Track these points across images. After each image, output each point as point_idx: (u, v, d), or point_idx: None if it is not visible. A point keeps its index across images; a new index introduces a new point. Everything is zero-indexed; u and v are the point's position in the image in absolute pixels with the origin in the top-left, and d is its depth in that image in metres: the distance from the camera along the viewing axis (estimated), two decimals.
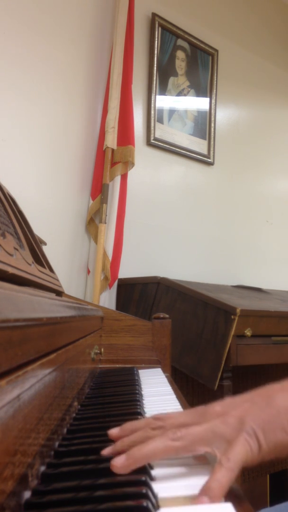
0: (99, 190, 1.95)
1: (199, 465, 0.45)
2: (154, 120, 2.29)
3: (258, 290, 2.34)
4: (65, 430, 0.57)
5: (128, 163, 1.98)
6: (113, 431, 0.49)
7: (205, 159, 2.53)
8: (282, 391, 0.45)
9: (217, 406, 0.46)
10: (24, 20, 1.83)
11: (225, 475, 0.39)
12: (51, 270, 1.01)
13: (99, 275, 1.87)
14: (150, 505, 0.35)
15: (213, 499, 0.37)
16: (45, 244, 1.32)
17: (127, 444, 0.45)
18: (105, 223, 1.92)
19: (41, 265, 0.88)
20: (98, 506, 0.35)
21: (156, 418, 0.48)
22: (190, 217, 2.46)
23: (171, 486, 0.41)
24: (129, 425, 0.49)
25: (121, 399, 0.76)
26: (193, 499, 0.38)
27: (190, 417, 0.46)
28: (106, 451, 0.46)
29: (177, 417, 0.47)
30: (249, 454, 0.41)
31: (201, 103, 2.53)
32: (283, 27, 3.13)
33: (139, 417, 0.63)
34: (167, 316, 1.29)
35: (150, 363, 1.23)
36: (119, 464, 0.41)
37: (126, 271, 2.05)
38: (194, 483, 0.41)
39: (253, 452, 0.41)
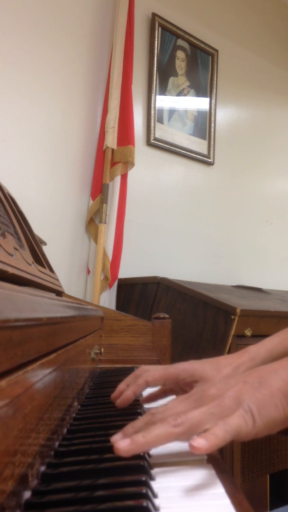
0: (99, 190, 1.95)
1: (198, 465, 0.45)
2: (154, 120, 2.29)
3: (258, 290, 2.34)
4: (65, 430, 0.56)
5: (128, 163, 1.98)
6: (117, 437, 0.48)
7: (205, 159, 2.53)
8: (274, 372, 0.48)
9: (212, 389, 0.48)
10: (24, 20, 1.83)
11: (221, 431, 0.42)
12: (51, 270, 1.01)
13: (99, 275, 1.87)
14: (150, 505, 0.35)
15: (207, 447, 0.41)
16: (45, 244, 1.32)
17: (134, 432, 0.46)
18: (105, 223, 1.92)
19: (41, 265, 0.88)
20: (98, 506, 0.35)
21: (155, 412, 0.48)
22: (190, 217, 2.46)
23: (171, 486, 0.41)
24: (130, 428, 0.49)
25: None
26: (192, 440, 0.41)
27: (187, 404, 0.47)
28: (115, 438, 0.46)
29: (175, 406, 0.48)
30: (243, 427, 0.44)
31: (201, 103, 2.53)
32: (283, 27, 3.13)
33: (139, 417, 0.63)
34: (167, 316, 1.29)
35: (150, 363, 1.23)
36: (123, 447, 0.43)
37: (126, 271, 2.05)
38: (194, 483, 0.41)
39: (248, 426, 0.44)
